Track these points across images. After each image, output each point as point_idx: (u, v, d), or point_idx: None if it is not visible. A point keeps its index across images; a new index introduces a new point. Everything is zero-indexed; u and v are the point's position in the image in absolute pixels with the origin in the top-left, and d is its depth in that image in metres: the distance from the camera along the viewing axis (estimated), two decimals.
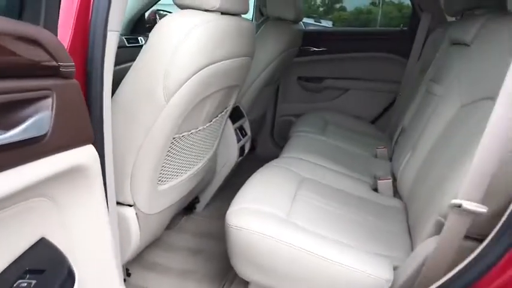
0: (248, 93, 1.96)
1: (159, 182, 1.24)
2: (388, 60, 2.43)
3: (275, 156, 1.72)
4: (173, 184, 1.31)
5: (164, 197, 1.29)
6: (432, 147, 1.36)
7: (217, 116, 1.48)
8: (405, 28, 2.45)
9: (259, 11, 2.57)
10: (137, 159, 1.12)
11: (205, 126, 1.39)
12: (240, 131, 1.88)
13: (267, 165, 1.56)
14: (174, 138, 1.19)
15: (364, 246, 1.12)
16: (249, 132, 1.97)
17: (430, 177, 1.23)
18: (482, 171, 0.78)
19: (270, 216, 1.12)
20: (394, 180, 1.62)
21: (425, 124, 1.49)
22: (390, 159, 1.90)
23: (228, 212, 1.14)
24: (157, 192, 1.23)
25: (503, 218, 0.80)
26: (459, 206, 0.79)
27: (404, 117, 1.88)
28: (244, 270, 1.11)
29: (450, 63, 1.56)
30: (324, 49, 2.51)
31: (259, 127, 2.63)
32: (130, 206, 1.18)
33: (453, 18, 2.24)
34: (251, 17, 2.67)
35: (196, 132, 1.33)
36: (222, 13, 1.19)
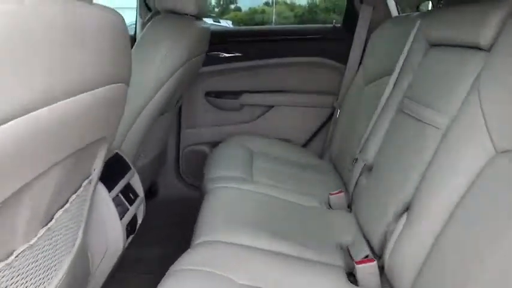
0: (132, 132, 1.24)
1: None
2: (319, 66, 1.90)
3: (183, 198, 1.42)
4: None
5: None
6: (454, 216, 0.82)
7: (65, 205, 0.76)
8: (338, 25, 1.94)
9: (145, 3, 1.83)
10: None
11: (35, 240, 0.66)
12: (126, 195, 1.17)
13: (172, 269, 0.89)
14: None
15: None
16: (140, 192, 1.26)
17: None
18: None
19: None
20: (375, 256, 1.06)
21: (424, 171, 0.95)
22: (349, 208, 1.35)
23: None
24: None
25: None
26: None
27: (365, 148, 1.34)
28: None
29: (440, 74, 1.05)
30: (239, 54, 1.88)
31: (160, 165, 1.90)
32: None
33: (395, 12, 1.79)
34: (135, 15, 1.92)
35: (7, 266, 0.60)
36: None
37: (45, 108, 0.53)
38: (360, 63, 1.75)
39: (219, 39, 1.87)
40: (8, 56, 0.44)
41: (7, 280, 0.61)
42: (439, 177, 0.89)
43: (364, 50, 1.74)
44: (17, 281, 0.64)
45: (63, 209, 0.77)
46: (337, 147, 1.75)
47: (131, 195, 1.20)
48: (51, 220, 0.73)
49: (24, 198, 0.58)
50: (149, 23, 1.25)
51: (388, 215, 1.03)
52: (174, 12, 1.32)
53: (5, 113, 0.44)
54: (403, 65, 1.30)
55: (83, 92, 0.63)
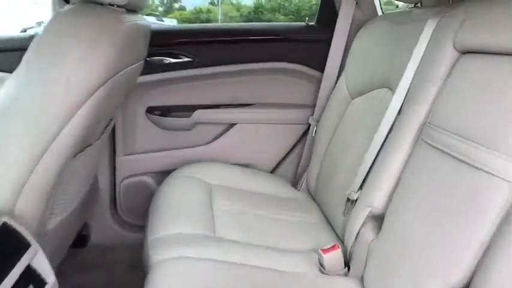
0: (31, 187, 0.79)
1: None
2: (291, 73, 1.54)
3: (122, 245, 1.32)
4: None
5: None
6: None
7: None
8: (312, 23, 1.58)
9: None
10: None
11: None
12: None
13: None
14: None
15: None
16: (48, 275, 0.81)
17: None
18: None
19: None
20: None
21: (485, 251, 0.62)
22: (346, 267, 1.01)
23: None
24: None
25: None
26: None
27: (369, 188, 0.99)
28: None
29: (491, 96, 0.72)
30: (189, 59, 1.47)
31: (91, 204, 1.45)
32: None
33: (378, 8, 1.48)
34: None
35: None
36: None
37: None
38: (341, 69, 1.41)
39: (162, 41, 1.44)
40: None
41: None
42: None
43: (345, 54, 1.41)
44: None
45: None
46: (315, 175, 1.40)
47: (32, 287, 0.76)
48: None
49: None
50: (53, 19, 0.81)
51: None
52: (95, 3, 0.88)
53: None
54: (414, 77, 0.97)
55: None
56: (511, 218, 0.60)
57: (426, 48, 0.96)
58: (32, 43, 0.80)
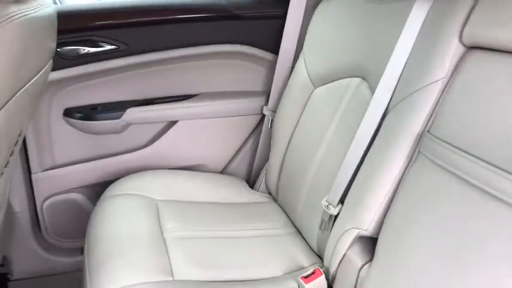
0: None
1: None
2: (240, 57, 1.31)
3: (50, 269, 1.16)
4: None
5: None
6: None
7: None
8: None
9: None
10: None
11: None
12: None
13: None
14: None
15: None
16: None
17: None
18: None
19: None
20: None
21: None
22: None
23: None
24: None
25: None
26: None
27: (352, 204, 0.85)
28: None
29: (495, 100, 0.58)
30: (113, 47, 1.17)
31: (7, 233, 1.16)
32: None
33: None
34: None
35: None
36: None
37: None
38: (298, 51, 1.22)
39: (75, 25, 1.13)
40: None
41: None
42: None
43: (303, 32, 1.22)
44: None
45: None
46: (276, 173, 1.23)
47: None
48: None
49: None
50: None
51: None
52: None
53: None
54: (404, 70, 0.81)
55: None
56: None
57: (419, 33, 0.79)
58: None
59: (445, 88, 0.71)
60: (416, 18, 0.79)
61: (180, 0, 1.26)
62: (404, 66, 0.81)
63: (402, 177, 0.75)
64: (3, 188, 0.89)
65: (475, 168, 0.58)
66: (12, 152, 0.90)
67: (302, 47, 1.20)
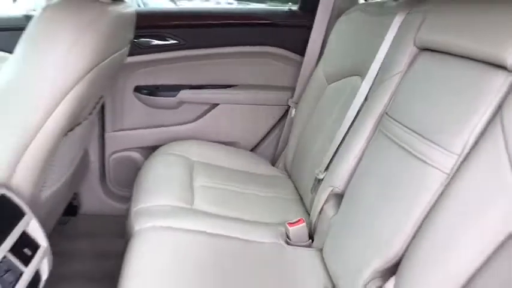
0: (25, 162, 0.88)
1: None
2: (273, 57, 1.62)
3: (111, 215, 1.34)
4: None
5: None
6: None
7: None
8: (294, 8, 1.65)
9: None
10: None
11: None
12: (19, 252, 0.83)
13: None
14: None
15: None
16: (42, 240, 0.92)
17: None
18: None
19: None
20: None
21: (420, 224, 0.73)
22: (310, 239, 1.12)
23: None
24: None
25: None
26: None
27: (333, 170, 1.10)
28: None
29: (438, 93, 0.82)
30: (174, 42, 1.54)
31: (81, 176, 1.55)
32: None
33: None
34: None
35: None
36: None
37: None
38: (321, 55, 1.49)
39: (149, 23, 1.51)
40: None
41: None
42: (446, 238, 0.66)
43: (326, 40, 1.48)
44: None
45: None
46: (292, 154, 1.50)
47: (27, 251, 0.87)
48: None
49: None
50: (41, 12, 0.88)
51: (367, 271, 0.81)
52: None
53: None
54: (380, 68, 1.06)
55: None
56: (439, 205, 0.70)
57: (392, 41, 1.04)
58: (26, 30, 0.87)
59: (401, 80, 0.95)
60: (392, 29, 1.04)
61: (227, 8, 1.59)
62: (381, 65, 1.06)
63: (366, 147, 1.00)
64: (84, 132, 1.25)
65: (409, 138, 0.82)
66: (94, 107, 1.27)
67: (323, 52, 1.47)
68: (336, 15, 1.47)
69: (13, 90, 0.88)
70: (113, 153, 1.64)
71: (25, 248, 0.87)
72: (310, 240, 1.13)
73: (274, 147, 1.70)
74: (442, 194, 0.70)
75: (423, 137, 0.78)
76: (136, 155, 1.65)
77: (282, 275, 0.97)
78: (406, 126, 0.84)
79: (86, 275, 1.35)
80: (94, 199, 1.66)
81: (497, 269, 0.58)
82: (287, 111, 1.65)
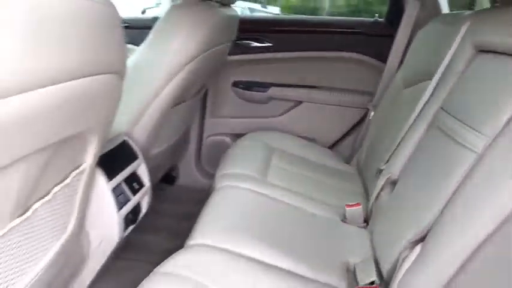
0: (145, 119, 1.20)
1: None
2: (357, 63, 1.76)
3: (201, 187, 1.37)
4: None
5: None
6: (474, 258, 0.70)
7: (46, 196, 0.73)
8: (381, 19, 1.78)
9: None
10: None
11: (6, 230, 0.63)
12: (130, 184, 1.13)
13: (154, 272, 0.84)
14: None
15: None
16: (146, 181, 1.21)
17: None
18: None
19: None
20: (382, 282, 0.95)
21: (449, 198, 0.83)
22: (366, 223, 1.24)
23: None
24: None
25: None
26: None
27: (393, 159, 1.21)
28: None
29: (484, 87, 0.90)
30: (270, 44, 1.78)
31: (181, 151, 1.87)
32: None
33: (446, 9, 1.62)
34: None
35: None
36: None
37: (21, 96, 0.49)
38: (401, 62, 1.60)
39: (250, 28, 1.78)
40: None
41: None
42: (464, 210, 0.76)
43: (406, 49, 1.59)
44: None
45: (43, 200, 0.73)
46: (365, 152, 1.62)
47: (135, 185, 1.16)
48: (28, 210, 0.70)
49: None
50: (167, 10, 1.19)
51: (403, 240, 0.92)
52: None
53: None
54: (444, 71, 1.15)
55: (66, 81, 0.59)
56: (471, 182, 0.79)
57: (457, 47, 1.13)
58: (154, 26, 1.18)
59: (458, 79, 1.04)
60: (458, 35, 1.13)
61: (316, 17, 1.78)
62: (445, 69, 1.15)
63: (421, 138, 1.10)
64: (187, 111, 1.54)
65: (451, 122, 0.92)
66: (198, 92, 1.56)
67: (403, 60, 1.58)
68: (419, 25, 1.57)
69: (140, 68, 1.20)
70: (209, 136, 1.93)
71: (134, 182, 1.16)
72: (365, 224, 1.25)
73: (350, 147, 1.83)
74: (469, 174, 0.80)
75: (460, 120, 0.87)
76: (227, 139, 1.92)
77: (331, 243, 1.11)
78: (452, 115, 0.94)
79: (171, 229, 1.63)
80: (189, 173, 1.96)
81: (508, 239, 0.67)
82: (366, 114, 1.77)
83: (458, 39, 1.13)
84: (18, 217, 0.67)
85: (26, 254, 0.73)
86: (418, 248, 0.86)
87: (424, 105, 1.19)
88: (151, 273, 0.85)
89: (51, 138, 0.63)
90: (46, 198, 0.74)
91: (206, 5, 1.23)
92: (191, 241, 0.99)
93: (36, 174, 0.65)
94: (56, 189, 0.76)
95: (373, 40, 1.72)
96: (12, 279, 0.70)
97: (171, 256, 0.91)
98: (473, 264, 0.72)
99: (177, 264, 0.87)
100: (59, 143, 0.67)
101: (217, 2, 1.28)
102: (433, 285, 0.77)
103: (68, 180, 0.79)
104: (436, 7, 1.55)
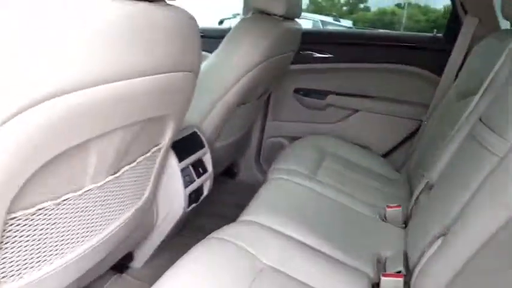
0: (212, 115, 1.40)
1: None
2: (412, 75, 1.84)
3: (258, 184, 1.42)
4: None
5: None
6: (487, 246, 0.79)
7: (132, 163, 0.94)
8: (439, 35, 1.84)
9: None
10: None
11: (102, 183, 0.85)
12: (196, 168, 1.33)
13: (208, 237, 1.02)
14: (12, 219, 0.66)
15: None
16: (209, 168, 1.41)
17: None
18: None
19: None
20: (408, 273, 1.04)
21: (470, 196, 0.92)
22: (405, 224, 1.32)
23: None
24: None
25: None
26: None
27: (432, 166, 1.29)
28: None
29: None
30: (330, 55, 1.92)
31: (243, 148, 2.07)
32: None
33: (508, 25, 1.64)
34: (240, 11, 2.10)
35: (79, 196, 0.79)
36: None
37: (119, 83, 0.70)
38: (456, 77, 1.65)
39: (313, 40, 1.93)
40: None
41: (82, 205, 0.81)
42: (480, 205, 0.85)
43: (463, 64, 1.64)
44: (88, 209, 0.84)
45: (130, 166, 0.95)
46: (415, 161, 1.69)
47: (200, 170, 1.37)
48: (118, 171, 0.92)
49: (91, 148, 0.76)
50: (239, 22, 1.40)
51: (429, 235, 1.01)
52: (263, 12, 1.43)
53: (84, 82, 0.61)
54: (487, 86, 1.22)
55: (152, 74, 0.79)
56: (489, 181, 0.87)
57: (502, 63, 1.19)
58: (226, 36, 1.39)
59: (497, 93, 1.11)
60: (506, 50, 1.19)
61: (376, 31, 1.89)
62: (489, 82, 1.21)
63: (458, 148, 1.18)
64: (250, 111, 1.73)
65: (482, 131, 1.00)
66: (261, 95, 1.75)
67: (458, 74, 1.63)
68: (475, 41, 1.62)
69: (211, 71, 1.41)
70: (269, 137, 2.11)
71: (199, 167, 1.37)
72: (404, 225, 1.33)
73: (403, 157, 1.89)
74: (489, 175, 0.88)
75: (490, 127, 0.94)
76: (285, 141, 2.08)
77: (367, 237, 1.22)
78: (486, 124, 1.02)
79: (225, 216, 1.81)
80: (248, 170, 2.15)
81: None
82: (420, 125, 1.83)
83: (503, 55, 1.19)
84: (111, 175, 0.89)
85: (110, 210, 0.95)
86: (439, 241, 0.95)
87: (467, 116, 1.26)
88: (205, 238, 1.03)
89: (139, 116, 0.85)
90: (132, 164, 0.95)
91: (271, 19, 1.42)
92: (242, 217, 1.16)
93: (127, 142, 0.87)
94: (140, 158, 0.98)
95: (431, 54, 1.79)
96: (100, 227, 0.92)
97: (222, 227, 1.08)
98: (486, 250, 0.80)
99: (229, 233, 1.04)
100: (144, 122, 0.88)
101: (281, 16, 1.46)
102: (447, 272, 0.86)
103: (148, 154, 1.01)
104: (495, 23, 1.58)
